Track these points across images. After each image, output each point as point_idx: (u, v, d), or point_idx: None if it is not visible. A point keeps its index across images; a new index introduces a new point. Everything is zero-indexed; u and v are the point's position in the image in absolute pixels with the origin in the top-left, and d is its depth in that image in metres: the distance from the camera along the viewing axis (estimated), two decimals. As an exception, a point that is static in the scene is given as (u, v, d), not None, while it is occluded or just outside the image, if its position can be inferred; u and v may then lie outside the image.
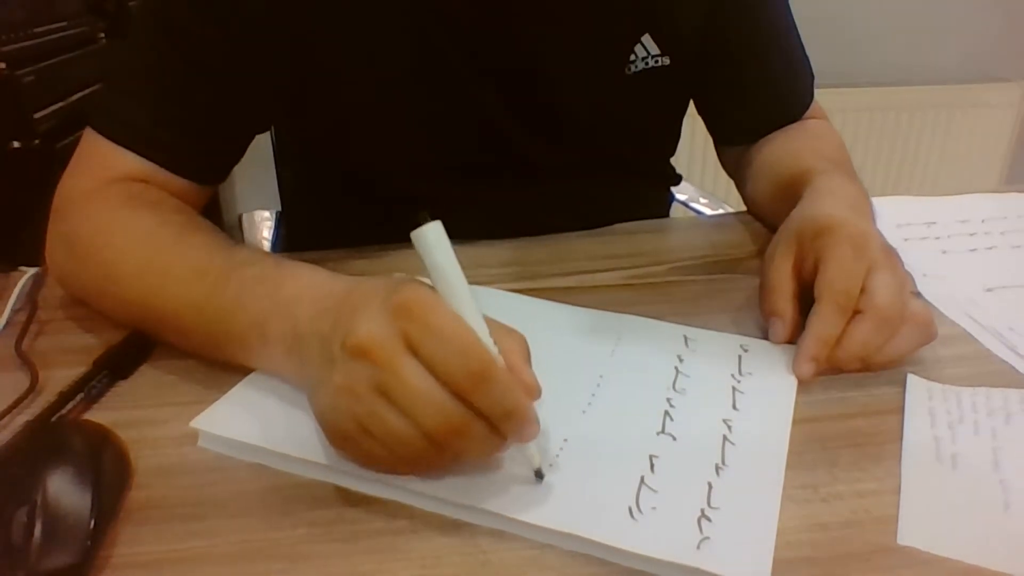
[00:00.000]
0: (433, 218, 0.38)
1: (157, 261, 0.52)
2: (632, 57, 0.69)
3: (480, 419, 0.37)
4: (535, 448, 0.40)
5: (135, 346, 0.52)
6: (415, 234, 0.38)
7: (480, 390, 0.36)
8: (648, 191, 0.87)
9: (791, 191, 0.64)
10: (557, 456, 0.42)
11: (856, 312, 0.49)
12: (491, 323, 0.40)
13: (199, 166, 0.63)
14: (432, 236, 0.38)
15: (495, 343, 0.38)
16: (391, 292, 0.38)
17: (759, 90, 0.77)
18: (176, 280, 0.50)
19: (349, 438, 0.39)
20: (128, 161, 0.59)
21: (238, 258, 0.50)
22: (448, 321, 0.37)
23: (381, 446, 0.38)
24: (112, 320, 0.55)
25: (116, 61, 0.64)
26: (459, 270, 0.38)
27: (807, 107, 0.79)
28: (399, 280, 0.40)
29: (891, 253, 0.52)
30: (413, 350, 0.37)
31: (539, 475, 0.40)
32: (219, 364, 0.50)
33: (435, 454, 0.38)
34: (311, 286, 0.45)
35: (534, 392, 0.39)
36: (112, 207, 0.57)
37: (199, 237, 0.54)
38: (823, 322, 0.49)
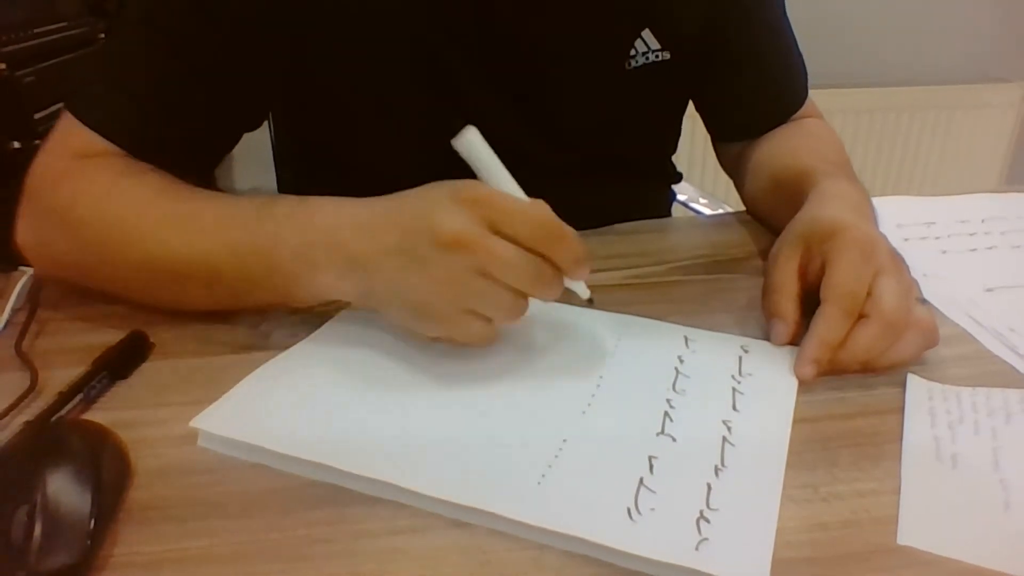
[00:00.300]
0: (468, 125, 0.46)
1: (181, 210, 0.54)
2: (632, 52, 0.69)
3: (557, 269, 0.46)
4: (584, 284, 0.51)
5: (134, 346, 0.52)
6: (457, 140, 0.46)
7: (559, 246, 0.45)
8: (649, 190, 0.87)
9: (792, 192, 0.64)
10: (556, 457, 0.42)
11: (861, 316, 0.49)
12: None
13: (180, 161, 0.62)
14: (474, 138, 0.46)
15: None
16: (456, 190, 0.45)
17: (757, 87, 0.77)
18: (206, 225, 0.53)
19: (449, 321, 0.46)
20: (105, 145, 0.59)
21: (260, 200, 0.53)
22: (514, 203, 0.45)
23: (481, 319, 0.46)
24: (108, 291, 0.56)
25: (103, 49, 0.64)
26: (500, 162, 0.47)
27: (802, 104, 0.79)
28: (453, 182, 0.46)
29: (897, 258, 0.52)
30: (496, 231, 0.44)
31: (591, 301, 0.52)
32: (218, 364, 0.50)
33: (523, 307, 0.47)
34: (344, 214, 0.50)
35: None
36: (116, 172, 0.57)
37: (213, 191, 0.56)
38: (827, 324, 0.49)
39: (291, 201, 0.52)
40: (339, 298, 0.52)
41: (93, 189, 0.57)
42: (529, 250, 0.45)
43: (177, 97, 0.60)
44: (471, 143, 0.46)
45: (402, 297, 0.47)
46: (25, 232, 0.59)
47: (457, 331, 0.47)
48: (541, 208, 0.46)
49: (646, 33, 0.69)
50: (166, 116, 0.60)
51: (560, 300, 0.58)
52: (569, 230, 0.46)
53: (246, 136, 0.69)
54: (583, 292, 0.51)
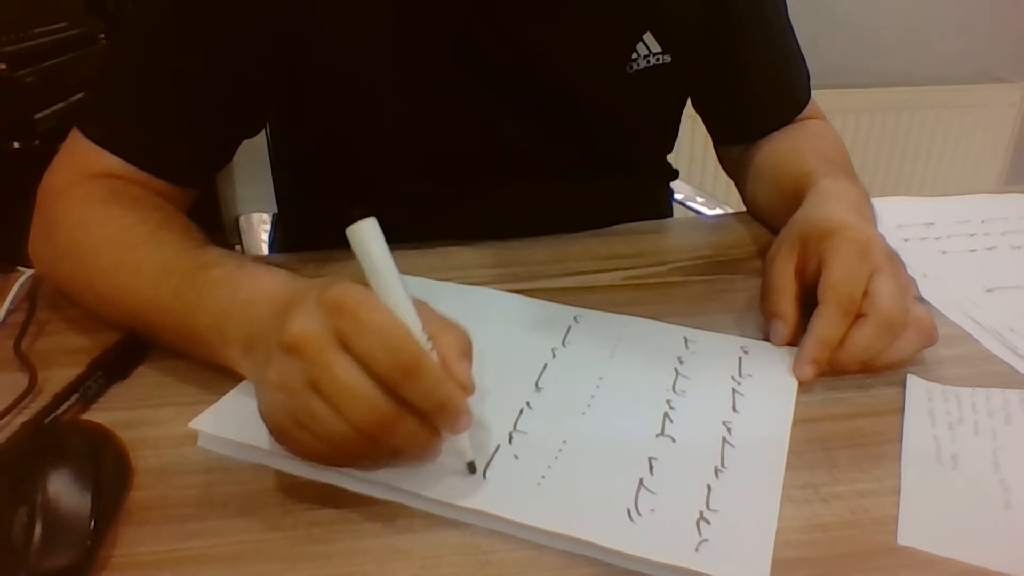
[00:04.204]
0: (367, 215, 0.38)
1: (129, 258, 0.53)
2: (634, 56, 0.69)
3: (412, 414, 0.38)
4: (468, 441, 0.40)
5: (131, 347, 0.52)
6: (349, 230, 0.38)
7: (409, 383, 0.37)
8: (647, 188, 0.87)
9: (793, 193, 0.64)
10: (556, 457, 0.42)
11: (859, 315, 0.49)
12: (432, 318, 0.40)
13: (179, 170, 0.63)
14: (366, 232, 0.38)
15: (432, 337, 0.39)
16: (323, 290, 0.39)
17: (758, 90, 0.77)
18: (145, 278, 0.52)
19: (286, 432, 0.39)
20: (110, 161, 0.60)
21: (204, 259, 0.51)
22: (379, 316, 0.37)
23: (317, 440, 0.38)
24: (92, 313, 0.56)
25: (103, 64, 0.65)
26: (393, 266, 0.39)
27: (804, 106, 0.79)
28: (333, 279, 0.40)
29: (894, 257, 0.52)
30: (345, 345, 0.37)
31: (472, 468, 0.41)
32: (218, 365, 0.50)
33: (369, 448, 0.38)
34: (266, 289, 0.46)
35: (468, 388, 0.39)
36: (92, 201, 0.57)
37: (171, 235, 0.54)
38: (825, 324, 0.49)
39: (229, 267, 0.49)
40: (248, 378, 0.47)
41: (72, 217, 0.57)
42: (382, 379, 0.37)
43: (172, 108, 0.61)
44: (359, 236, 0.38)
45: (257, 389, 0.42)
46: (32, 248, 0.61)
47: (291, 444, 0.40)
48: (411, 337, 0.37)
49: (647, 36, 0.69)
50: (162, 127, 0.61)
51: (558, 301, 0.59)
52: (433, 369, 0.37)
53: (244, 141, 0.69)
54: (465, 452, 0.41)
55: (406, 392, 0.37)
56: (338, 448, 0.38)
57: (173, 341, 0.51)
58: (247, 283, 0.47)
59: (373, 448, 0.38)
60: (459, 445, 0.40)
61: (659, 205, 0.89)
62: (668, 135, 0.82)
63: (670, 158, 0.87)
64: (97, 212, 0.57)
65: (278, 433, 0.40)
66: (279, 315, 0.41)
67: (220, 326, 0.46)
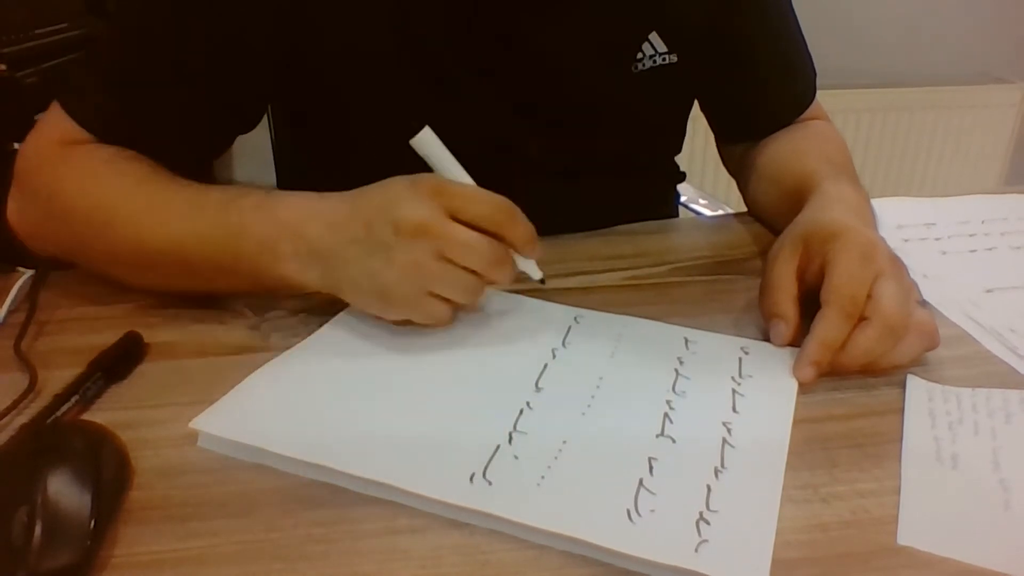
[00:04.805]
0: (422, 125, 0.51)
1: (156, 199, 0.56)
2: (640, 55, 0.69)
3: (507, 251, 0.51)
4: (535, 265, 0.55)
5: (128, 348, 0.52)
6: (416, 140, 0.51)
7: (515, 227, 0.51)
8: (653, 189, 0.87)
9: (795, 194, 0.64)
10: (556, 458, 0.42)
11: (862, 319, 0.49)
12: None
13: (165, 157, 0.62)
14: (430, 136, 0.52)
15: None
16: (415, 182, 0.50)
17: (762, 89, 0.77)
18: (177, 214, 0.55)
19: (410, 304, 0.50)
20: (92, 140, 0.60)
21: (232, 191, 0.55)
22: (470, 188, 0.51)
23: (439, 301, 0.50)
24: (95, 272, 0.58)
25: (95, 46, 0.65)
26: (453, 157, 0.52)
27: (809, 105, 0.79)
28: (410, 176, 0.50)
29: (897, 262, 0.52)
30: (454, 217, 0.48)
31: (543, 281, 0.56)
32: (218, 364, 0.50)
33: (480, 288, 0.51)
34: (307, 208, 0.52)
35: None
36: (98, 159, 0.59)
37: (186, 181, 0.57)
38: (828, 327, 0.49)
39: (259, 194, 0.54)
40: (303, 286, 0.53)
41: (77, 175, 0.58)
42: (485, 232, 0.49)
43: (161, 95, 0.61)
44: (427, 141, 0.51)
45: (367, 284, 0.50)
46: (14, 213, 0.61)
47: (418, 313, 0.51)
48: (495, 194, 0.50)
49: (653, 36, 0.69)
50: (150, 114, 0.61)
51: (558, 302, 0.59)
52: (520, 212, 0.51)
53: (246, 135, 0.69)
54: (535, 273, 0.55)
55: (509, 234, 0.50)
56: (459, 299, 0.50)
57: (209, 272, 0.54)
58: (282, 205, 0.53)
59: (481, 287, 0.51)
60: (529, 268, 0.54)
61: (665, 207, 0.89)
62: (674, 136, 0.82)
63: (670, 159, 0.87)
64: (107, 167, 0.58)
65: (404, 307, 0.51)
66: (358, 222, 0.50)
67: (271, 246, 0.52)
